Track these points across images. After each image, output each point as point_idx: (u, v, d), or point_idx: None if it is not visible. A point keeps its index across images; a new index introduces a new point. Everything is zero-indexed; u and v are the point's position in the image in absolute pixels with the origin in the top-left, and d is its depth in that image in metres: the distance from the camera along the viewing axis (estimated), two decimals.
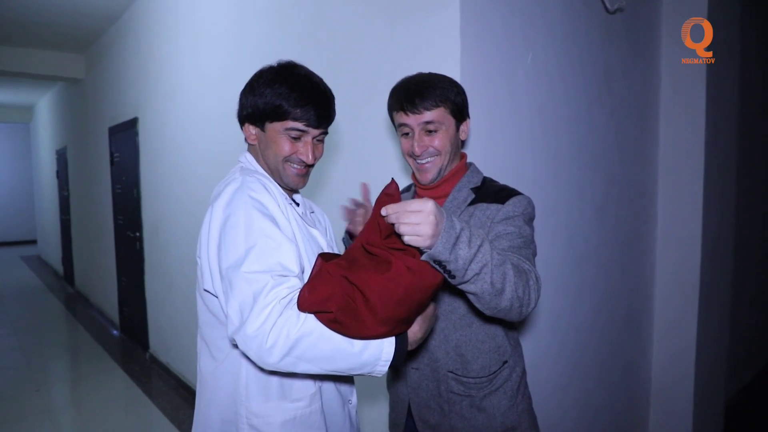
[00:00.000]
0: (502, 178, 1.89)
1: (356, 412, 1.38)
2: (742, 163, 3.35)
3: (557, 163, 2.20)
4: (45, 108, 9.06)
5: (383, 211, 1.02)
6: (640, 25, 2.63)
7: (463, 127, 1.38)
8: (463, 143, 1.45)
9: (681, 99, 2.74)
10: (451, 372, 1.35)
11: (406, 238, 0.99)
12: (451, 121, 1.33)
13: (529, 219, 1.31)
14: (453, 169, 1.39)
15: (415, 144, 1.33)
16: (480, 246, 1.04)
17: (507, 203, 1.29)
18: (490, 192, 1.35)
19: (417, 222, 0.98)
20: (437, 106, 1.30)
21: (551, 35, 2.12)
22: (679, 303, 2.80)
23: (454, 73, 1.73)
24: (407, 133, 1.36)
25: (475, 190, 1.36)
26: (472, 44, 1.76)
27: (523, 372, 1.43)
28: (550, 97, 2.14)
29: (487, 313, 1.13)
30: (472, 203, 1.34)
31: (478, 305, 1.12)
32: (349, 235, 1.51)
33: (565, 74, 2.21)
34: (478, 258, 1.03)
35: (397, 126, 1.38)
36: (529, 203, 1.32)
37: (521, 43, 1.97)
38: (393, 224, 1.01)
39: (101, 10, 4.61)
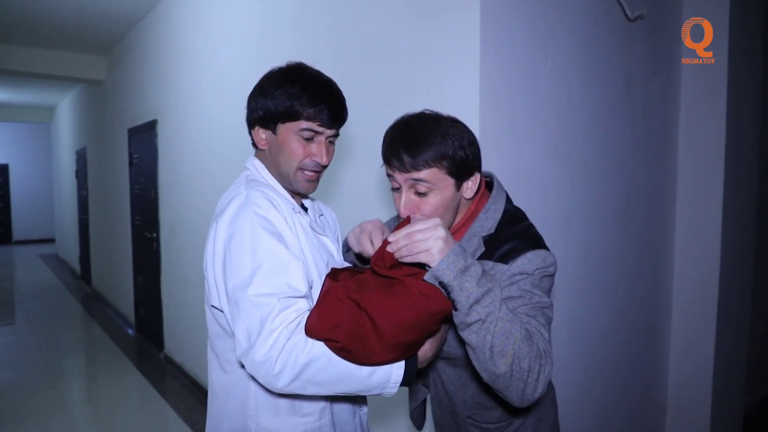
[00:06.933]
0: (521, 185, 1.88)
1: (367, 418, 1.38)
2: (764, 170, 3.30)
3: (576, 169, 2.19)
4: (66, 109, 9.19)
5: (390, 238, 1.00)
6: (660, 32, 2.61)
7: (468, 185, 1.13)
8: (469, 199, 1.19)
9: (701, 106, 2.72)
10: (470, 418, 1.28)
11: (418, 256, 0.96)
12: (448, 181, 1.08)
13: (543, 278, 1.08)
14: (461, 220, 1.18)
15: (402, 205, 1.10)
16: (489, 290, 0.94)
17: (513, 263, 1.07)
18: (500, 243, 1.11)
19: (425, 238, 0.95)
20: (429, 167, 1.05)
21: (571, 42, 2.11)
22: (698, 313, 2.76)
23: (473, 78, 1.73)
24: (397, 188, 1.12)
25: (486, 239, 1.13)
26: (491, 50, 1.76)
27: (548, 397, 1.32)
28: (570, 103, 2.13)
29: (484, 377, 0.99)
30: (481, 257, 1.12)
31: (475, 363, 0.99)
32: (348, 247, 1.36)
33: (585, 81, 2.19)
34: (486, 301, 0.94)
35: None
36: (545, 259, 1.08)
37: (541, 49, 1.96)
38: (399, 255, 0.98)
39: (123, 14, 4.68)
